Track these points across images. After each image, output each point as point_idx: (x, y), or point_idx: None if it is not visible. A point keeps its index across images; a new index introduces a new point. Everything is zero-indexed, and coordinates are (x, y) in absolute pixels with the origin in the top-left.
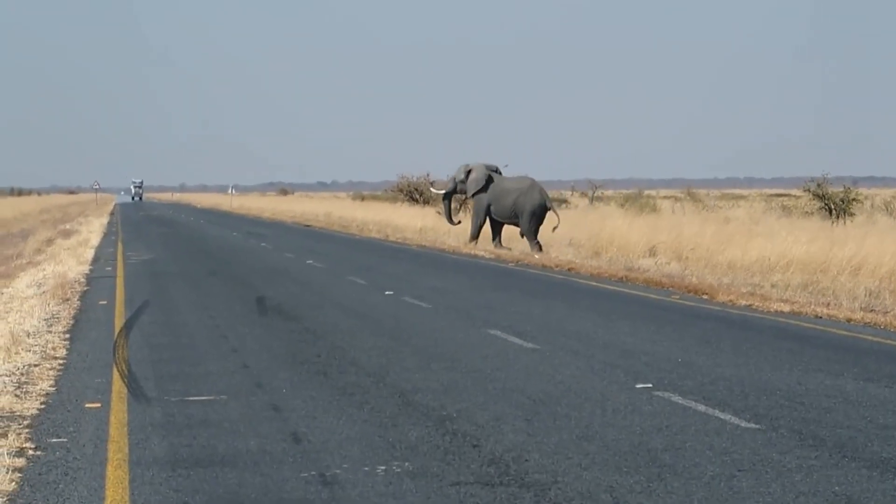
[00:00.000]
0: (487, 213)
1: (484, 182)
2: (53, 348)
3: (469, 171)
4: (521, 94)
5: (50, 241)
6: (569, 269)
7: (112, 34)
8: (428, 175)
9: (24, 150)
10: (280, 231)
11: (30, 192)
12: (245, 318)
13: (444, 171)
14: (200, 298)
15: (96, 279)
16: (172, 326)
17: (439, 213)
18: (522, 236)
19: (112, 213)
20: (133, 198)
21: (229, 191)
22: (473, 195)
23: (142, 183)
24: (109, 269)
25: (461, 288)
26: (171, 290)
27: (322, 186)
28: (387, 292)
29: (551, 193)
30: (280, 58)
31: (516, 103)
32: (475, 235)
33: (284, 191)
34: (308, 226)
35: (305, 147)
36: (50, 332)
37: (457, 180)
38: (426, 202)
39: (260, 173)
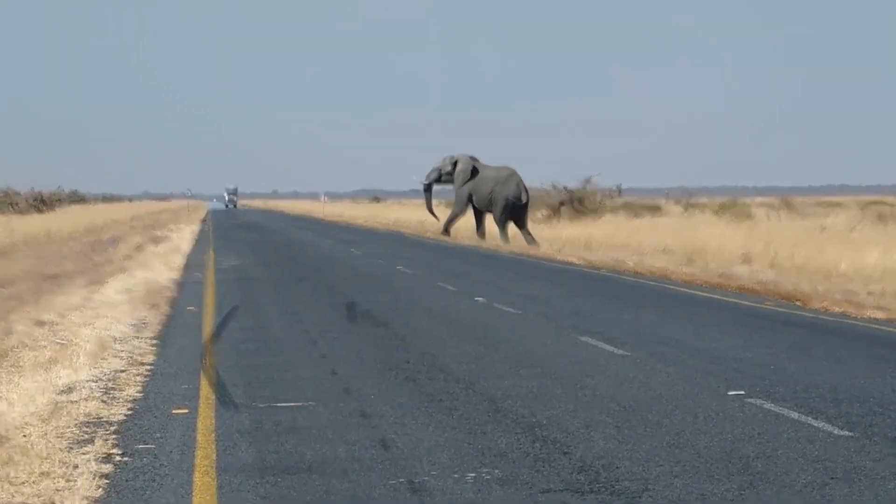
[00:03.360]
0: (469, 203)
1: (470, 174)
2: (141, 354)
3: (455, 163)
4: (613, 101)
5: (140, 248)
6: (662, 276)
7: (203, 36)
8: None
9: (116, 157)
10: (371, 238)
11: (121, 199)
12: (334, 323)
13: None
14: (289, 304)
15: (186, 285)
16: (261, 332)
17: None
18: (498, 223)
19: (203, 220)
20: (227, 205)
21: (321, 197)
22: (456, 187)
23: (235, 189)
24: (199, 275)
25: (552, 294)
26: (260, 297)
27: (416, 194)
28: (477, 298)
29: (644, 201)
30: (374, 63)
31: (610, 111)
32: (448, 225)
33: (377, 198)
34: (400, 231)
35: (400, 153)
36: (138, 337)
37: (442, 171)
38: None
39: (352, 179)
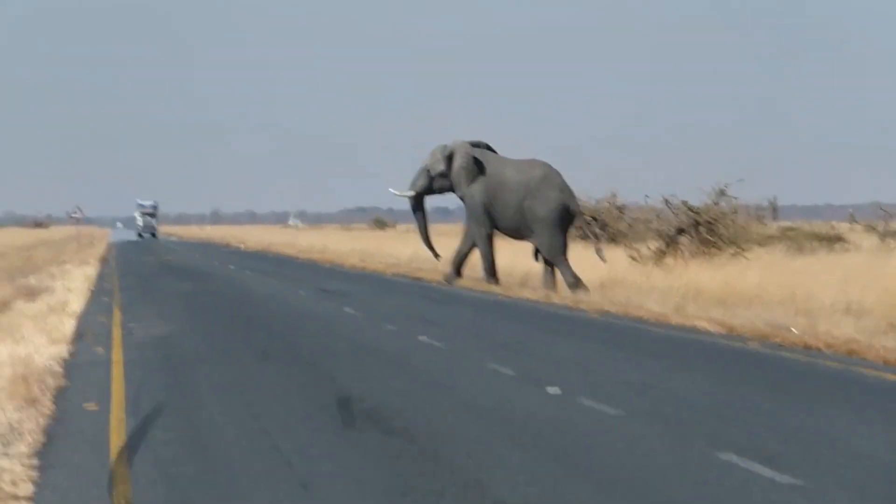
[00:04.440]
0: (489, 216)
1: (474, 169)
2: (13, 483)
3: (450, 155)
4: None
5: (4, 306)
6: (848, 352)
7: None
8: (614, 195)
9: None
10: (374, 287)
11: None
12: (319, 430)
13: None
14: (247, 398)
15: (80, 367)
16: (203, 447)
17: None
18: (538, 258)
19: (104, 259)
20: (141, 232)
21: (290, 220)
22: (463, 193)
23: (154, 207)
24: (101, 350)
25: (670, 381)
26: (199, 386)
27: (443, 214)
28: (549, 389)
29: (815, 226)
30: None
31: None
32: (488, 260)
33: (381, 221)
34: (419, 279)
35: (408, 157)
36: (6, 455)
37: (432, 173)
38: (612, 239)
39: (338, 194)
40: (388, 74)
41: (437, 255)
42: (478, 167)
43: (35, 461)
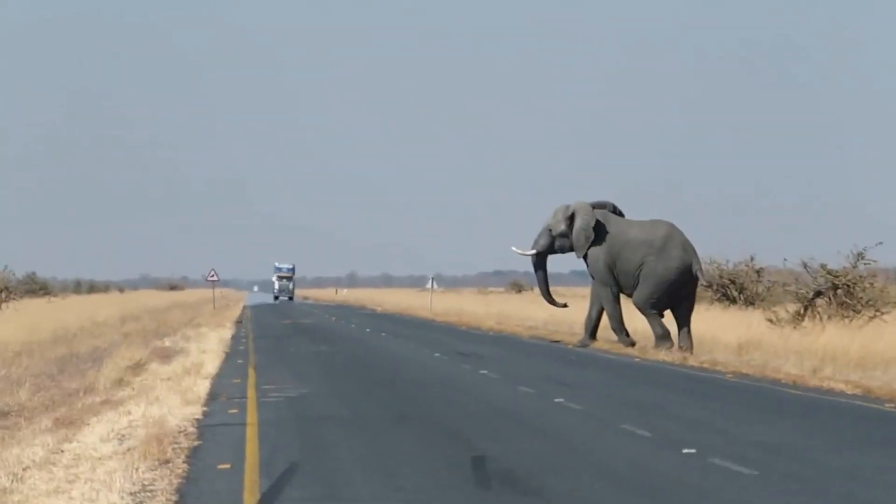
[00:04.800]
0: (614, 276)
1: (593, 231)
2: None
3: (572, 216)
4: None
5: (139, 367)
6: None
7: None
8: (752, 259)
9: (97, 225)
10: (510, 350)
11: (106, 288)
12: (454, 489)
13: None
14: (382, 460)
15: (214, 428)
16: None
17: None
18: (641, 311)
19: (239, 322)
20: (277, 294)
21: (429, 284)
22: (585, 254)
23: (292, 271)
24: (235, 411)
25: (807, 443)
26: (334, 447)
27: (579, 277)
28: (685, 450)
29: None
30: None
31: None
32: (616, 319)
33: (517, 284)
34: (556, 342)
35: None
36: None
37: (553, 232)
38: (750, 301)
39: (478, 255)
40: (525, 139)
41: (562, 305)
42: (599, 228)
43: None
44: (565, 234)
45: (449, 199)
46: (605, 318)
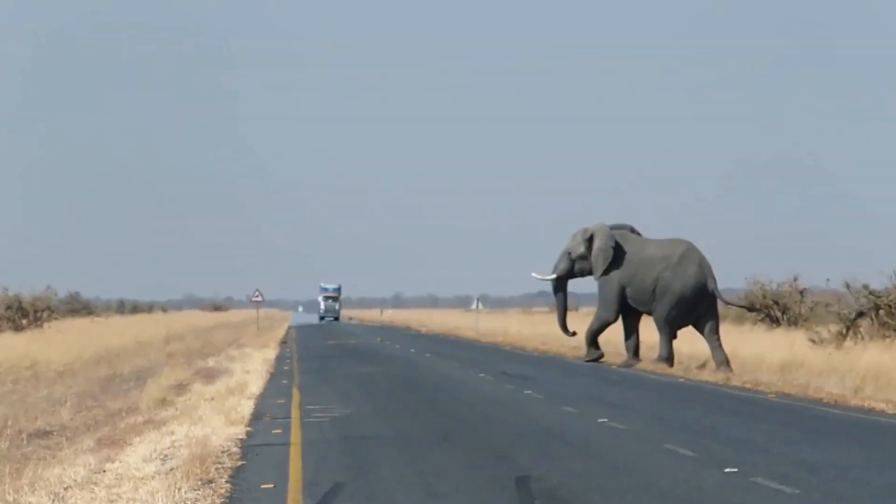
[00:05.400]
0: (622, 301)
1: (612, 252)
2: None
3: (591, 238)
4: None
5: (182, 388)
6: None
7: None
8: (795, 279)
9: (141, 245)
10: (554, 370)
11: (150, 308)
12: None
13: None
14: (426, 479)
15: (257, 448)
16: None
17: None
18: (658, 329)
19: (284, 342)
20: (323, 315)
21: (474, 304)
22: (602, 275)
23: (338, 290)
24: (279, 431)
25: (848, 462)
26: (378, 467)
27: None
28: (727, 469)
29: None
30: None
31: None
32: (593, 338)
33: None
34: (600, 363)
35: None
36: None
37: (573, 255)
38: (792, 322)
39: (522, 276)
40: (572, 161)
41: (571, 334)
42: (617, 249)
43: None
44: (585, 257)
45: (495, 219)
46: (649, 339)
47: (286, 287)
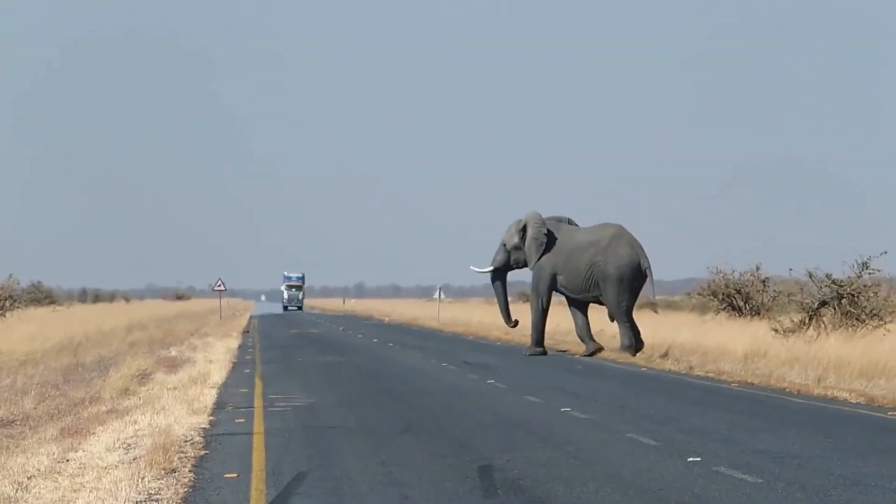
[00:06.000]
0: (552, 288)
1: (545, 239)
2: None
3: (524, 228)
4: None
5: (145, 377)
6: None
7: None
8: (757, 268)
9: (102, 238)
10: (517, 360)
11: (111, 298)
12: (460, 498)
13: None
14: (389, 468)
15: (220, 438)
16: None
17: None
18: (612, 320)
19: (246, 332)
20: (287, 304)
21: (436, 294)
22: (533, 265)
23: (301, 280)
24: (242, 420)
25: (811, 451)
26: (341, 456)
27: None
28: (690, 459)
29: None
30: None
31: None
32: (538, 330)
33: (526, 295)
34: (563, 352)
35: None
36: None
37: (508, 246)
38: (755, 311)
39: (484, 266)
40: (534, 149)
41: (514, 324)
42: (549, 237)
43: None
44: (519, 247)
45: (457, 210)
46: (613, 329)
47: (248, 277)
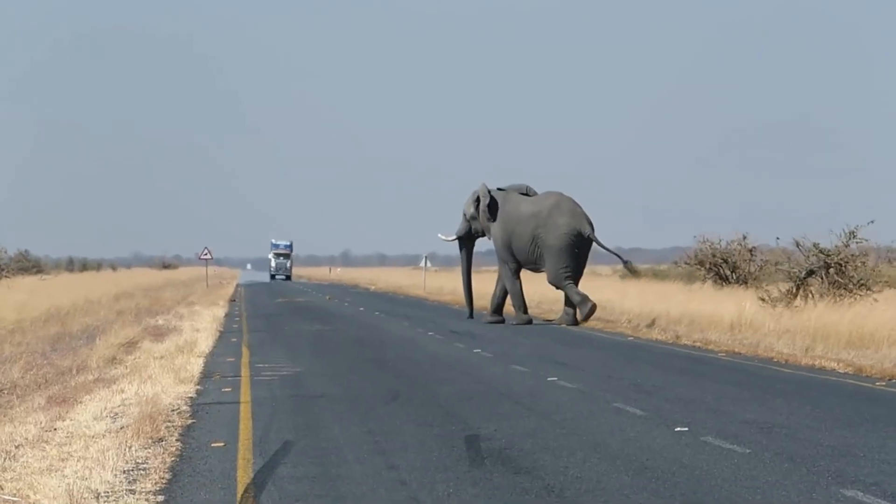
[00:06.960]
0: (513, 253)
1: (488, 210)
2: None
3: (478, 199)
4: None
5: (132, 346)
6: None
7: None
8: (744, 238)
9: (89, 207)
10: (503, 329)
11: (98, 266)
12: (447, 468)
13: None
14: (375, 437)
15: (207, 407)
16: (330, 484)
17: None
18: (558, 288)
19: (233, 300)
20: (273, 274)
21: (422, 262)
22: (490, 235)
23: (290, 248)
24: (228, 390)
25: (799, 421)
26: (327, 425)
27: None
28: (677, 429)
29: None
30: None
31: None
32: (517, 298)
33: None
34: (550, 321)
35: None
36: (132, 491)
37: (467, 216)
38: (742, 280)
39: None
40: (516, 117)
41: (470, 303)
42: (492, 205)
43: (160, 498)
44: (475, 217)
45: (442, 178)
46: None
47: (235, 245)
